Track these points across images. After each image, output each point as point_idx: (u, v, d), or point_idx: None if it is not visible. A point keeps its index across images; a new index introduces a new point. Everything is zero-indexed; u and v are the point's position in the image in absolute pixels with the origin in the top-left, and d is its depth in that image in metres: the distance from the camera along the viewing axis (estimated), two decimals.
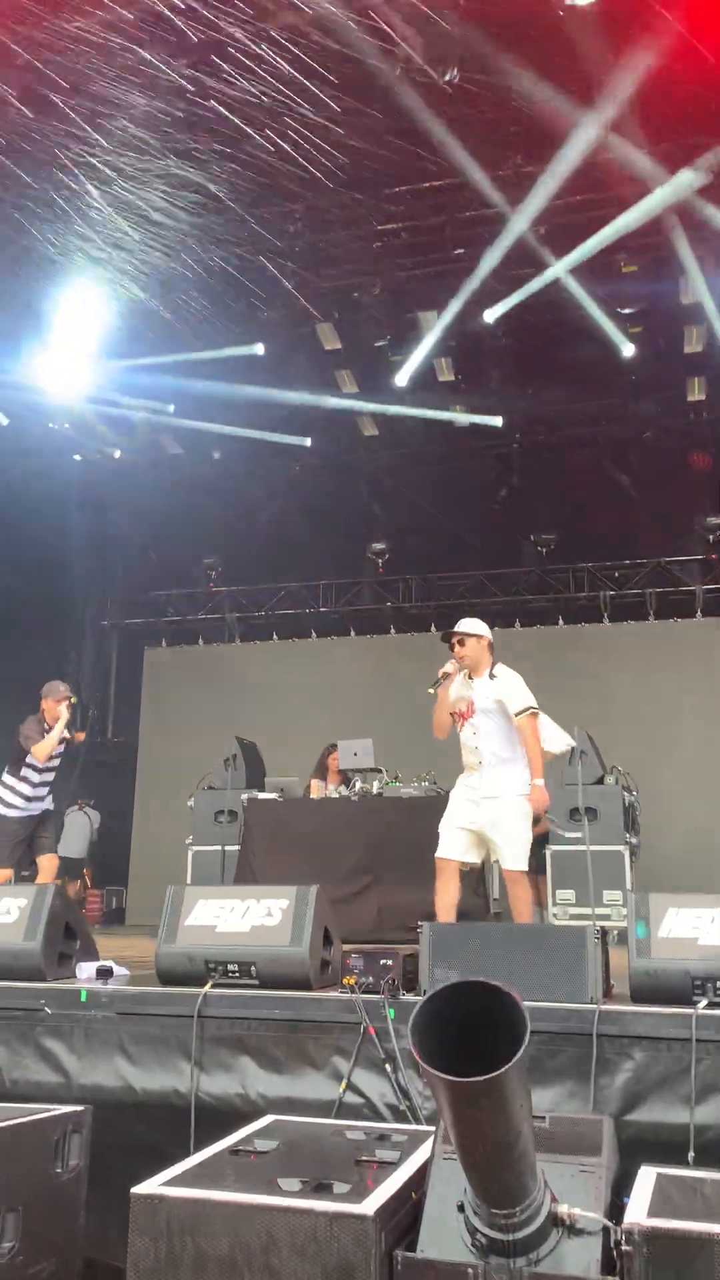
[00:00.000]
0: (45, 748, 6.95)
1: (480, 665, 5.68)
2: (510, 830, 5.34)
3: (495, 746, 5.52)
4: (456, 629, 5.77)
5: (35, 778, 7.07)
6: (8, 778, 7.09)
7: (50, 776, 7.20)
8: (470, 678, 5.68)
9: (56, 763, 7.21)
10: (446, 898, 5.36)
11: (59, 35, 7.10)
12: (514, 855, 5.33)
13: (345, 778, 8.89)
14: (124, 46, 7.29)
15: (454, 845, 5.43)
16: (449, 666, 5.73)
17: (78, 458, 13.43)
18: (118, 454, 13.06)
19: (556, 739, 6.24)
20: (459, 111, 8.35)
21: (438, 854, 5.44)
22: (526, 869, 5.40)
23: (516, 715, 5.50)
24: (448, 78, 7.42)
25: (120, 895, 12.82)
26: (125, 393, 11.54)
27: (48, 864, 7.11)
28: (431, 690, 5.79)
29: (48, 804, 7.23)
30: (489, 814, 5.38)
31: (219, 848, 8.83)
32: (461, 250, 9.49)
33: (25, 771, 7.03)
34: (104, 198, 8.62)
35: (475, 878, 7.78)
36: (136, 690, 14.73)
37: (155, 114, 7.79)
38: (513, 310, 9.73)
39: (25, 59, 7.21)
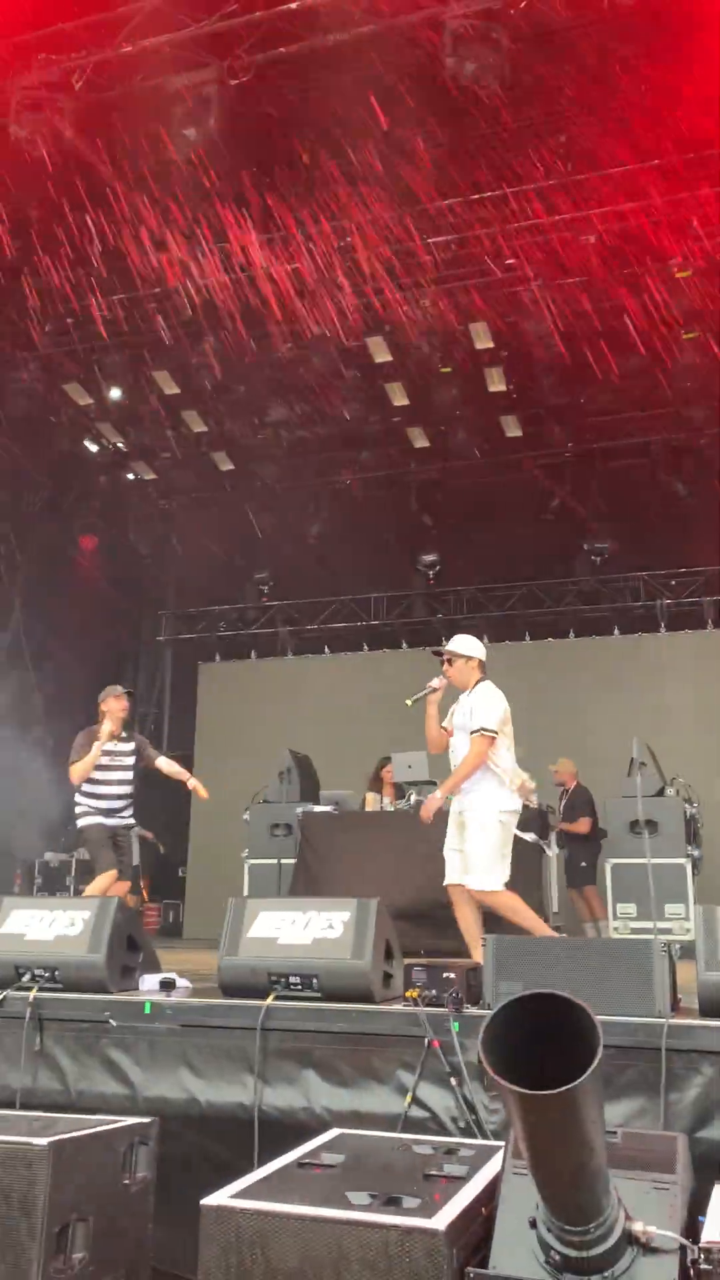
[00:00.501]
0: (80, 769, 6.70)
1: (466, 685, 5.59)
2: (471, 850, 5.26)
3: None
4: (447, 647, 5.72)
5: (99, 790, 6.91)
6: (80, 797, 6.92)
7: (121, 789, 6.93)
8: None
9: (129, 776, 6.99)
10: (462, 921, 5.33)
11: None
12: (476, 877, 5.21)
13: (399, 790, 8.87)
14: None
15: (451, 869, 5.38)
16: (435, 681, 5.66)
17: (130, 477, 13.62)
18: (170, 471, 13.21)
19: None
20: (508, 118, 8.39)
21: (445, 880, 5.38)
22: (494, 888, 5.22)
23: (470, 732, 5.38)
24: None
25: (177, 909, 12.88)
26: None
27: (120, 891, 6.83)
28: (409, 702, 5.76)
29: (128, 818, 6.99)
30: (464, 834, 5.33)
31: (275, 861, 8.83)
32: (512, 260, 9.48)
33: (87, 786, 6.96)
34: None
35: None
36: (191, 705, 14.82)
37: None
38: (561, 318, 9.70)
39: None
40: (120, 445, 12.89)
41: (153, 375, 11.17)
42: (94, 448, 12.93)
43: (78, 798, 6.88)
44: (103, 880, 6.68)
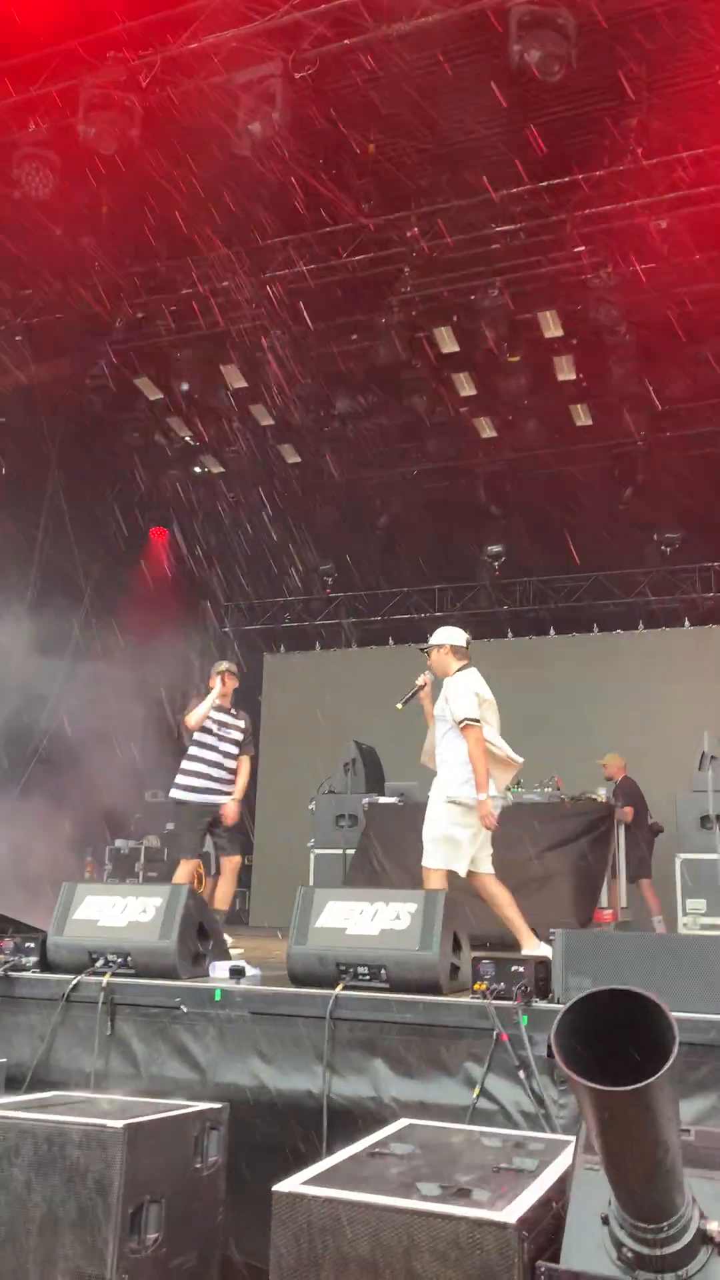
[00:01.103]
0: (197, 713, 6.95)
1: (447, 673, 5.71)
2: (427, 829, 5.44)
3: (441, 751, 5.59)
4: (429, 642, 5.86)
5: (205, 755, 6.98)
6: (184, 762, 7.04)
7: (226, 764, 7.03)
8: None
9: (234, 752, 7.10)
10: (493, 907, 5.42)
11: None
12: (428, 852, 5.45)
13: None
14: None
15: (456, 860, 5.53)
16: (421, 679, 5.83)
17: (199, 470, 13.75)
18: (238, 463, 13.30)
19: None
20: (576, 102, 8.28)
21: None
22: (435, 866, 5.40)
23: (457, 723, 5.49)
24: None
25: (243, 897, 13.01)
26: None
27: (230, 866, 7.02)
28: (399, 705, 5.94)
29: (223, 797, 7.03)
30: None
31: (341, 851, 8.88)
32: (581, 248, 9.36)
33: (193, 750, 7.03)
34: None
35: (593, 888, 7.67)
36: (256, 696, 14.94)
37: None
38: (633, 303, 9.56)
39: None
40: (189, 439, 13.00)
41: (221, 369, 11.25)
42: (163, 441, 13.07)
43: (180, 773, 7.01)
44: (186, 868, 6.76)
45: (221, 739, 7.09)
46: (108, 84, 7.43)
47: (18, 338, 10.79)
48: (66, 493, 12.06)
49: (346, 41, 7.26)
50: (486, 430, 11.99)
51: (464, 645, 5.86)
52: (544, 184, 8.88)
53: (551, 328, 10.05)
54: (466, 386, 11.17)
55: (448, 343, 10.41)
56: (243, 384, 11.44)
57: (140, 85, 7.52)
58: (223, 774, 7.07)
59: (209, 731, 7.07)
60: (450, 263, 9.78)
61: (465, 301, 10.16)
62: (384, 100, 8.37)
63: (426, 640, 6.10)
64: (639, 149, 8.39)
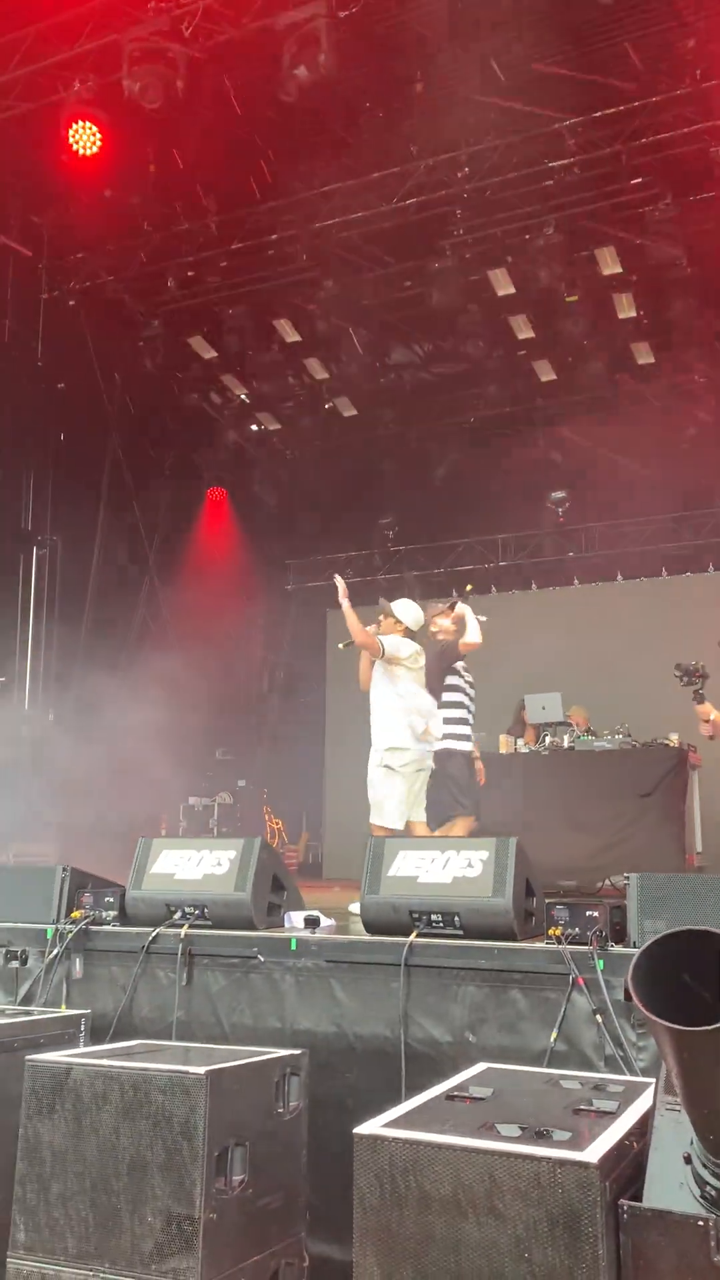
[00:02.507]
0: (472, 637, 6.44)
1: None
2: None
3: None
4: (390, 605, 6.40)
5: (464, 700, 6.53)
6: (446, 709, 6.37)
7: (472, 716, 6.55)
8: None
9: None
10: None
11: None
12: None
13: (538, 732, 8.82)
14: None
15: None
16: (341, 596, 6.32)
17: (255, 428, 13.73)
18: (294, 419, 13.24)
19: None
20: (630, 26, 7.99)
21: None
22: (388, 825, 5.82)
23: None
24: None
25: (316, 849, 13.17)
26: None
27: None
28: (341, 646, 6.49)
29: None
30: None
31: None
32: (639, 180, 9.07)
33: (453, 695, 6.46)
34: None
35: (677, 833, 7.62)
36: (320, 653, 14.98)
37: None
38: (694, 235, 9.26)
39: None
40: (244, 397, 12.98)
41: (274, 324, 11.17)
42: (219, 400, 13.06)
43: (448, 722, 6.49)
44: (466, 824, 6.43)
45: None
46: (150, 36, 7.34)
47: (71, 302, 10.82)
48: (126, 457, 12.12)
49: None
50: (546, 373, 11.77)
51: (414, 628, 6.33)
52: (597, 114, 8.61)
53: (610, 264, 9.79)
54: (524, 329, 10.95)
55: (503, 285, 10.20)
56: (296, 338, 11.37)
57: (183, 35, 7.42)
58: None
59: (458, 673, 6.49)
60: (503, 202, 9.56)
61: (519, 242, 9.95)
62: (430, 37, 8.17)
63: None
64: (697, 71, 8.08)
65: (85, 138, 8.08)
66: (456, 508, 13.41)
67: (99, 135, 8.07)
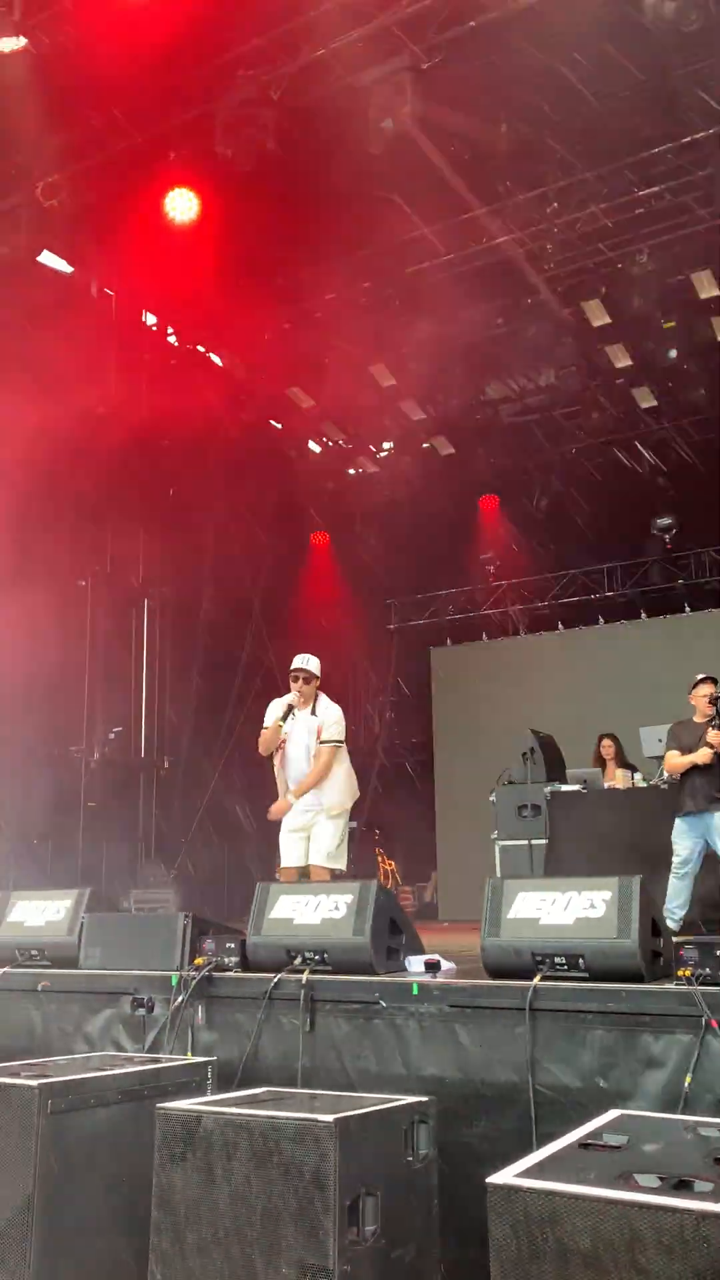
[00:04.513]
0: None
1: (312, 697, 6.29)
2: (326, 841, 6.26)
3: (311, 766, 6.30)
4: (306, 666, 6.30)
5: None
6: None
7: None
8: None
9: None
10: None
11: None
12: (331, 857, 6.25)
13: (624, 763, 8.71)
14: None
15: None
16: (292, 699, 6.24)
17: (353, 471, 13.89)
18: (392, 461, 13.36)
19: None
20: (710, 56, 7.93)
21: None
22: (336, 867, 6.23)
23: (335, 742, 6.26)
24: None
25: (430, 891, 13.06)
26: None
27: None
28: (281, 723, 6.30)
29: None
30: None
31: (526, 842, 8.78)
32: None
33: None
34: None
35: None
36: (425, 691, 14.96)
37: None
38: None
39: None
40: (342, 442, 13.17)
41: (369, 370, 11.33)
42: (317, 447, 13.27)
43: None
44: None
45: None
46: (241, 103, 7.59)
47: (173, 361, 11.17)
48: (229, 508, 12.39)
49: (472, 24, 7.18)
50: (646, 399, 11.64)
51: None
52: (685, 140, 8.55)
53: (707, 288, 9.66)
54: (622, 357, 10.88)
55: (598, 315, 10.16)
56: (391, 381, 11.50)
57: (272, 100, 7.65)
58: None
59: None
60: (593, 234, 9.55)
61: (613, 271, 9.90)
62: (512, 78, 8.25)
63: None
64: None
65: (182, 205, 8.38)
66: (559, 539, 13.30)
67: (195, 201, 8.35)
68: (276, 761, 6.39)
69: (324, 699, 6.35)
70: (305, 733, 6.23)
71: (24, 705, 10.00)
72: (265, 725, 6.34)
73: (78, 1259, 3.24)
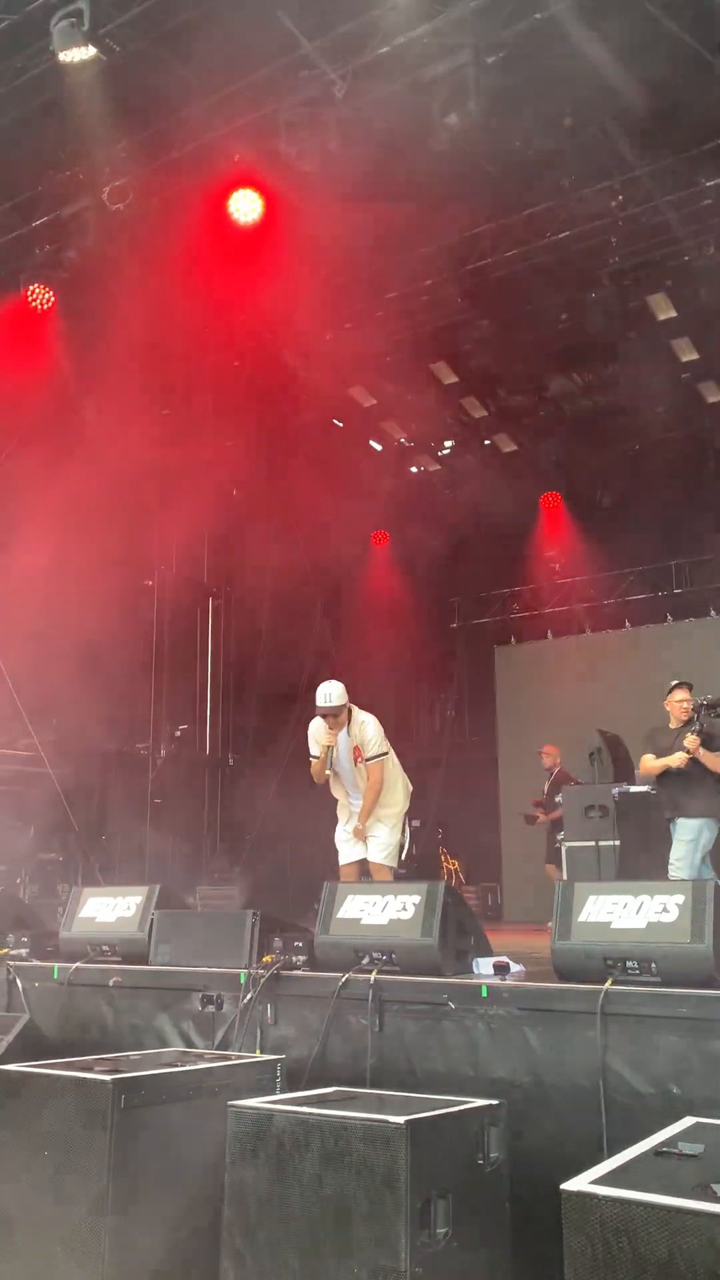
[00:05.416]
0: None
1: (345, 721, 6.30)
2: (384, 841, 6.43)
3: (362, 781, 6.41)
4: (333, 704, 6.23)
5: None
6: None
7: None
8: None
9: None
10: None
11: None
12: (389, 855, 6.43)
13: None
14: None
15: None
16: (327, 742, 6.29)
17: (415, 469, 13.86)
18: (453, 459, 13.30)
19: None
20: None
21: None
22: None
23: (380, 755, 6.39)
24: None
25: (495, 891, 12.99)
26: None
27: None
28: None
29: None
30: None
31: (593, 843, 8.69)
32: None
33: None
34: None
35: None
36: (490, 690, 14.88)
37: None
38: None
39: None
40: (404, 440, 13.14)
41: (430, 368, 11.29)
42: (379, 445, 13.27)
43: None
44: None
45: None
46: (304, 103, 7.60)
47: (236, 363, 11.23)
48: (291, 507, 12.44)
49: (537, 16, 7.10)
50: (713, 394, 11.45)
51: None
52: None
53: None
54: (688, 351, 10.71)
55: (663, 309, 10.01)
56: (453, 379, 11.45)
57: (335, 98, 7.65)
58: None
59: None
60: (658, 227, 9.40)
61: (679, 264, 9.75)
62: (577, 70, 8.14)
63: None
64: None
65: (245, 206, 8.42)
66: (625, 536, 13.13)
67: (259, 202, 8.39)
68: (330, 778, 6.54)
69: (356, 714, 6.38)
70: (346, 755, 6.35)
71: (92, 704, 10.15)
72: (313, 755, 6.45)
73: (150, 1254, 3.27)
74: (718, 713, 6.93)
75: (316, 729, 6.43)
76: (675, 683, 7.25)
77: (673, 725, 7.10)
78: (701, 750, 6.71)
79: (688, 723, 6.92)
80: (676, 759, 6.81)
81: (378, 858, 6.37)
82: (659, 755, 6.99)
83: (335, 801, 6.67)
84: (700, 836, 6.82)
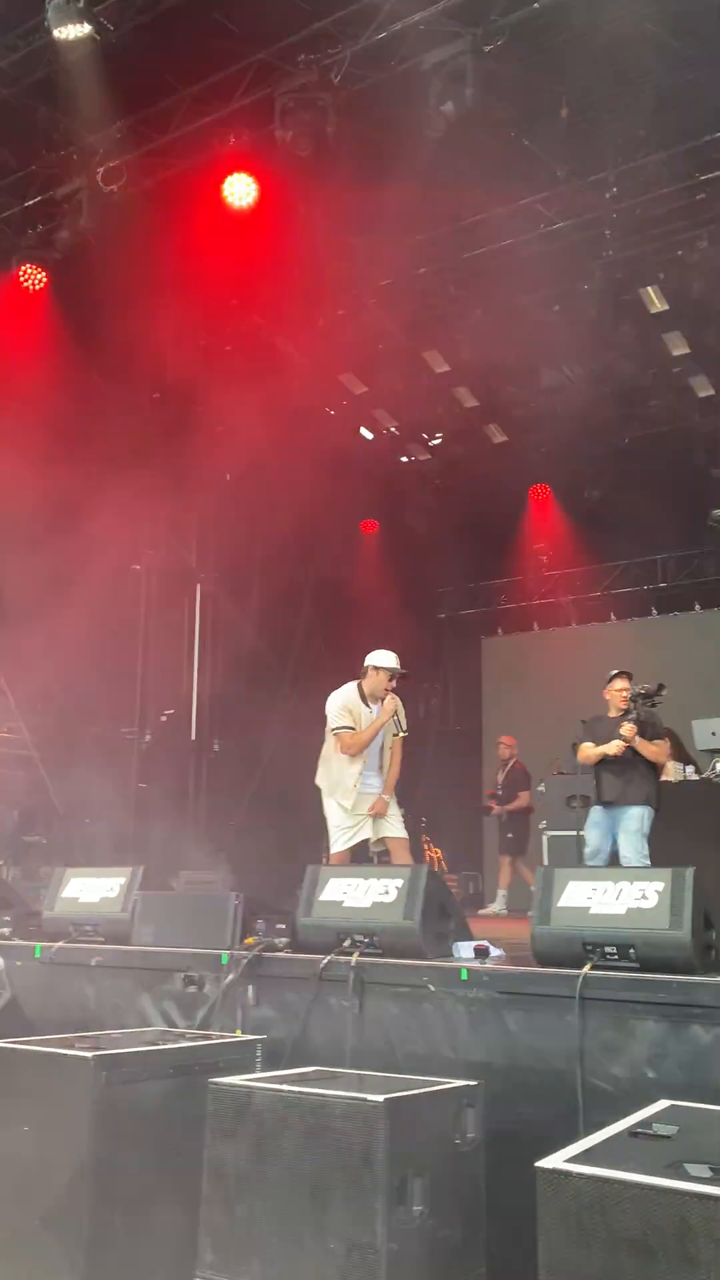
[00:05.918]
0: None
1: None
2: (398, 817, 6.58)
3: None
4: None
5: None
6: None
7: None
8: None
9: None
10: None
11: None
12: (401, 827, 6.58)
13: (683, 756, 8.61)
14: None
15: None
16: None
17: (404, 459, 13.85)
18: (443, 449, 13.30)
19: None
20: None
21: None
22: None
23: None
24: None
25: (476, 879, 13.05)
26: None
27: None
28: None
29: None
30: None
31: (574, 832, 8.74)
32: None
33: None
34: None
35: None
36: (475, 681, 14.92)
37: None
38: None
39: None
40: (394, 429, 13.13)
41: (423, 356, 11.28)
42: (369, 433, 13.25)
43: None
44: None
45: None
46: (300, 87, 7.58)
47: (228, 347, 11.19)
48: (280, 493, 12.42)
49: (535, 5, 7.09)
50: (704, 388, 11.48)
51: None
52: None
53: None
54: (679, 345, 10.73)
55: (655, 303, 10.03)
56: (445, 368, 11.44)
57: (332, 84, 7.63)
58: None
59: None
60: (653, 219, 9.41)
61: (672, 258, 9.76)
62: (574, 59, 8.14)
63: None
64: None
65: (240, 190, 8.39)
66: (612, 529, 13.17)
67: (254, 186, 8.36)
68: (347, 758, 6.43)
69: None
70: (389, 726, 6.40)
71: (78, 687, 10.15)
72: (347, 725, 6.27)
73: (129, 1228, 3.31)
74: (654, 702, 7.21)
75: (353, 700, 6.31)
76: (615, 672, 7.50)
77: (611, 714, 7.33)
78: (638, 739, 6.96)
79: (625, 712, 7.15)
80: (613, 747, 7.04)
81: (399, 831, 6.46)
82: (597, 744, 7.20)
83: (319, 789, 6.64)
84: (643, 825, 7.04)
